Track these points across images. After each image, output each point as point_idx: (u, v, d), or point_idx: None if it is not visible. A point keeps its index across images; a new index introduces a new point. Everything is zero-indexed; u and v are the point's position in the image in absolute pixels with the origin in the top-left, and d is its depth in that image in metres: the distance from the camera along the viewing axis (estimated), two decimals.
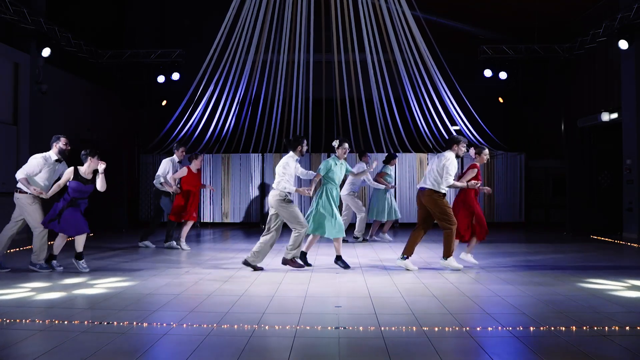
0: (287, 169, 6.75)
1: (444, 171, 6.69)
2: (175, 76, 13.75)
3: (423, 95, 13.39)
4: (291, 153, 6.92)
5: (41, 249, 6.71)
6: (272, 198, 6.74)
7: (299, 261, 7.00)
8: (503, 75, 13.51)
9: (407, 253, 6.97)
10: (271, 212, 6.85)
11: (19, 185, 6.70)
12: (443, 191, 6.79)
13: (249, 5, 12.92)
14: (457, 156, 6.91)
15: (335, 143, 7.15)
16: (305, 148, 7.00)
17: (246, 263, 6.86)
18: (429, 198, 6.77)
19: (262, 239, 6.80)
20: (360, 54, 13.38)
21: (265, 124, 14.04)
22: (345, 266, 7.07)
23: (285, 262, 6.93)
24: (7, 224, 6.87)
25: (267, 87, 14.08)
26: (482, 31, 15.14)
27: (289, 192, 6.73)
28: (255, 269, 6.85)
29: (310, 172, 7.32)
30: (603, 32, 11.78)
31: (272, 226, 6.80)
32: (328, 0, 13.05)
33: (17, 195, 6.72)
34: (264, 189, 13.48)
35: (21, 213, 6.76)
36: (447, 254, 6.88)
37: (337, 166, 7.08)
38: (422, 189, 6.87)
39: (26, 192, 6.65)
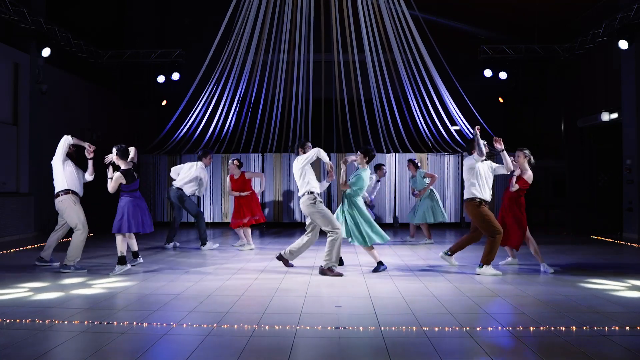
0: (304, 161, 6.66)
1: (470, 176, 6.57)
2: (175, 76, 13.75)
3: (423, 95, 13.39)
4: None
5: (78, 251, 6.76)
6: (302, 205, 6.66)
7: (338, 270, 6.58)
8: (503, 75, 13.51)
9: (453, 251, 7.17)
10: (307, 220, 6.83)
11: (59, 189, 6.86)
12: (478, 198, 6.57)
13: (249, 5, 12.92)
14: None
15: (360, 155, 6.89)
16: (309, 149, 6.90)
17: (280, 257, 6.94)
18: (467, 208, 6.73)
19: (299, 239, 6.88)
20: (360, 54, 13.39)
21: (265, 124, 14.05)
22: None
23: (322, 271, 6.53)
24: (53, 232, 7.11)
25: (267, 87, 14.09)
26: (482, 31, 15.15)
27: (318, 193, 6.63)
28: (287, 265, 6.99)
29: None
30: (603, 32, 11.78)
31: (309, 230, 6.81)
32: (328, 0, 13.05)
33: (57, 198, 6.85)
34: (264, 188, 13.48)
35: (62, 215, 6.93)
36: (484, 261, 6.59)
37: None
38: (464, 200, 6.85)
39: (67, 193, 6.83)
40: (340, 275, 6.51)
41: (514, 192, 6.81)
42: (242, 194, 8.99)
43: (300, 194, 6.69)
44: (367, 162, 6.83)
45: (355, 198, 6.73)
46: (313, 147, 6.86)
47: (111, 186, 6.74)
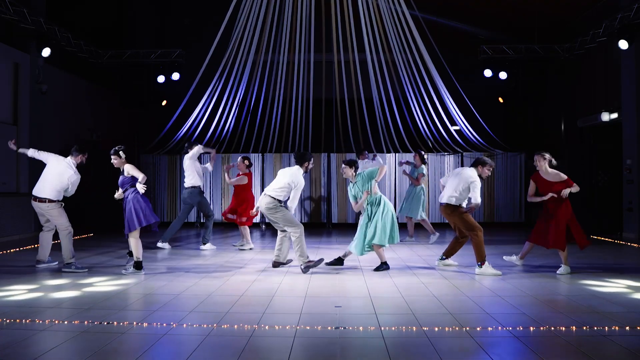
0: (297, 184, 6.75)
1: (470, 190, 6.57)
2: (175, 76, 13.73)
3: (423, 95, 13.39)
4: (298, 167, 6.90)
5: (71, 247, 6.83)
6: (264, 205, 6.73)
7: (314, 259, 6.77)
8: (503, 75, 13.50)
9: (447, 255, 7.20)
10: (266, 217, 6.90)
11: (40, 194, 6.85)
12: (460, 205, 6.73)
13: (249, 5, 12.91)
14: (480, 177, 6.72)
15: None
16: (311, 166, 7.06)
17: (276, 264, 7.01)
18: (445, 210, 6.79)
19: (278, 238, 6.98)
20: (360, 54, 13.39)
21: (265, 124, 14.05)
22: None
23: (305, 269, 6.66)
24: (42, 232, 7.13)
25: (267, 87, 14.09)
26: (482, 31, 15.14)
27: (280, 201, 6.76)
28: (287, 263, 7.06)
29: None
30: (603, 32, 11.78)
31: (280, 226, 6.86)
32: (328, 0, 13.05)
33: (45, 204, 6.86)
34: (264, 188, 13.45)
35: (49, 217, 6.97)
36: (479, 259, 6.62)
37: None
38: (440, 204, 6.91)
39: (55, 201, 6.88)
40: (321, 260, 6.73)
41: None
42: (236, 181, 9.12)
43: (269, 193, 6.76)
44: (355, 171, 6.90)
45: (378, 194, 6.78)
46: (312, 150, 7.04)
47: (141, 175, 6.45)
